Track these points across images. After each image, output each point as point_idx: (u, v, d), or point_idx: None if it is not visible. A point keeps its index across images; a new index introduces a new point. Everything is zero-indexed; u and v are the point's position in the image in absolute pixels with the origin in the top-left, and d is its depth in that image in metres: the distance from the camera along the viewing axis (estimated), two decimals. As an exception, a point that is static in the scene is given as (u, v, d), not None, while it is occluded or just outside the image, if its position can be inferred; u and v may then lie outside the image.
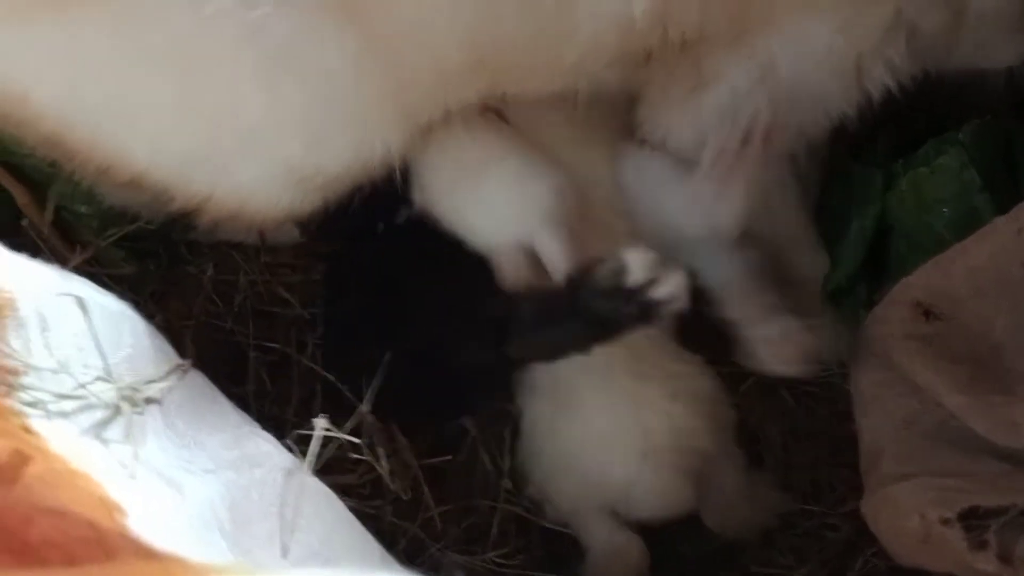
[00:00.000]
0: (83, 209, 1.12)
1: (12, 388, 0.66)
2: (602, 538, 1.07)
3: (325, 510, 0.85)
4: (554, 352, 1.00)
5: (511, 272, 1.02)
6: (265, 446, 0.84)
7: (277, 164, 0.93)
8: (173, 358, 0.83)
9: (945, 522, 0.83)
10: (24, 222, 1.13)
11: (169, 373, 0.80)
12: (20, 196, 1.11)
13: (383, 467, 1.00)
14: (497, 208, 1.03)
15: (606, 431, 1.05)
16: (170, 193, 0.95)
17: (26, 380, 0.68)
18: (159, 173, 0.93)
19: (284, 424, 1.04)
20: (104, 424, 0.73)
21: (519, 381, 1.09)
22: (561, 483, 1.08)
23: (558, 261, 1.00)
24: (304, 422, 0.85)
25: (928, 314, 0.98)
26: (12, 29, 0.86)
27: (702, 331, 1.12)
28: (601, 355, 0.99)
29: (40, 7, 0.85)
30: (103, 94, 0.89)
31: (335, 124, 0.92)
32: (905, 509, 0.86)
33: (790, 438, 1.17)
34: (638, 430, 1.05)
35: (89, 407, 0.72)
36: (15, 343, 0.69)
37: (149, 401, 0.76)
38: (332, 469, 0.97)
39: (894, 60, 0.99)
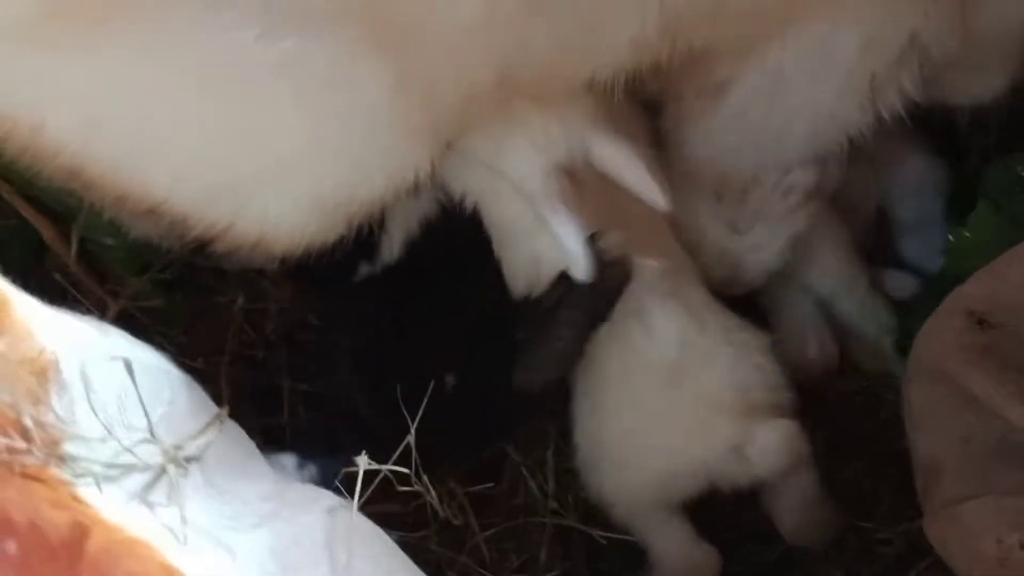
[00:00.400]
0: (109, 241, 1.10)
1: (60, 458, 0.64)
2: (675, 548, 1.05)
3: (376, 548, 0.82)
4: (560, 360, 1.00)
5: (558, 194, 0.98)
6: (305, 490, 0.82)
7: (306, 193, 0.91)
8: (210, 408, 0.81)
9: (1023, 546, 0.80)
10: (48, 257, 1.11)
11: (208, 426, 0.78)
12: (46, 230, 1.09)
13: (432, 496, 0.97)
14: (552, 125, 0.99)
15: (685, 405, 1.03)
16: (189, 222, 0.92)
17: (71, 447, 0.66)
18: (179, 203, 0.91)
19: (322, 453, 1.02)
20: (149, 487, 0.71)
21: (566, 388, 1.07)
22: (632, 481, 1.05)
23: (630, 160, 0.97)
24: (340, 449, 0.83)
25: (983, 323, 0.95)
26: (32, 55, 0.83)
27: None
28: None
29: (66, 33, 0.83)
30: (127, 123, 0.87)
31: (370, 152, 0.90)
32: (977, 531, 0.84)
33: (834, 453, 1.15)
34: (726, 389, 1.03)
35: (134, 471, 0.70)
36: (59, 407, 0.66)
37: (190, 459, 0.74)
38: (376, 499, 0.95)
39: (906, 84, 1.00)
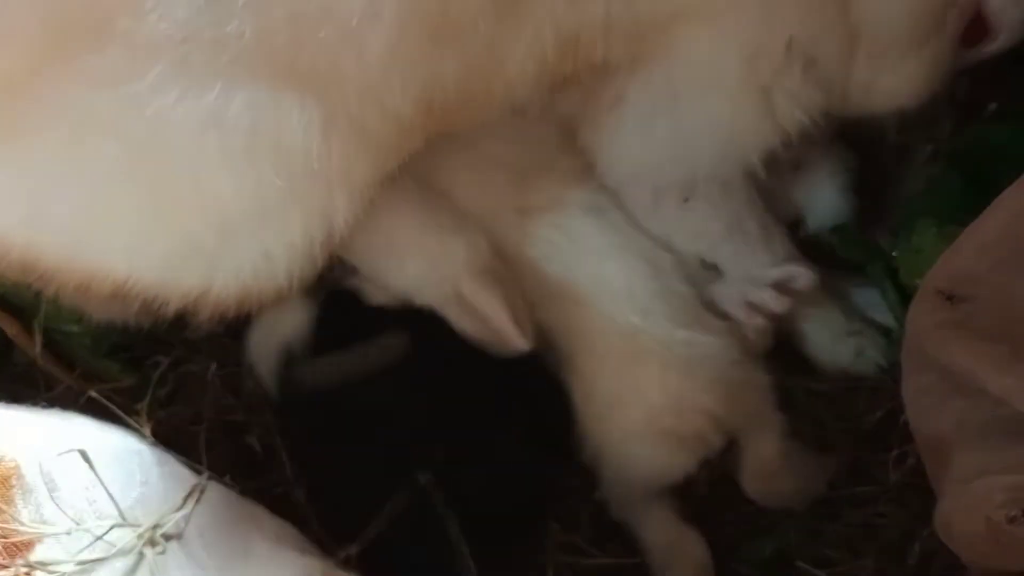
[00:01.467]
0: (73, 328, 1.09)
1: (30, 566, 0.63)
2: (663, 535, 1.07)
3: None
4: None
5: (459, 322, 1.03)
6: (291, 556, 0.81)
7: (278, 242, 0.91)
8: (187, 481, 0.80)
9: (1012, 520, 0.80)
10: (15, 352, 1.10)
11: (186, 500, 0.77)
12: (9, 327, 1.08)
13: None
14: (424, 267, 1.04)
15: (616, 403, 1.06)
16: (161, 297, 0.92)
17: (42, 549, 0.66)
18: (143, 277, 0.90)
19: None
20: (131, 572, 0.71)
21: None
22: (611, 474, 1.08)
23: (492, 309, 1.01)
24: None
25: (952, 298, 0.95)
26: None
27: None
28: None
29: None
30: (67, 210, 0.86)
31: (326, 191, 0.90)
32: (974, 514, 0.83)
33: (827, 428, 1.16)
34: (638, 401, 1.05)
35: (111, 559, 0.70)
36: (24, 513, 0.66)
37: (168, 537, 0.74)
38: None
39: (795, 92, 1.01)
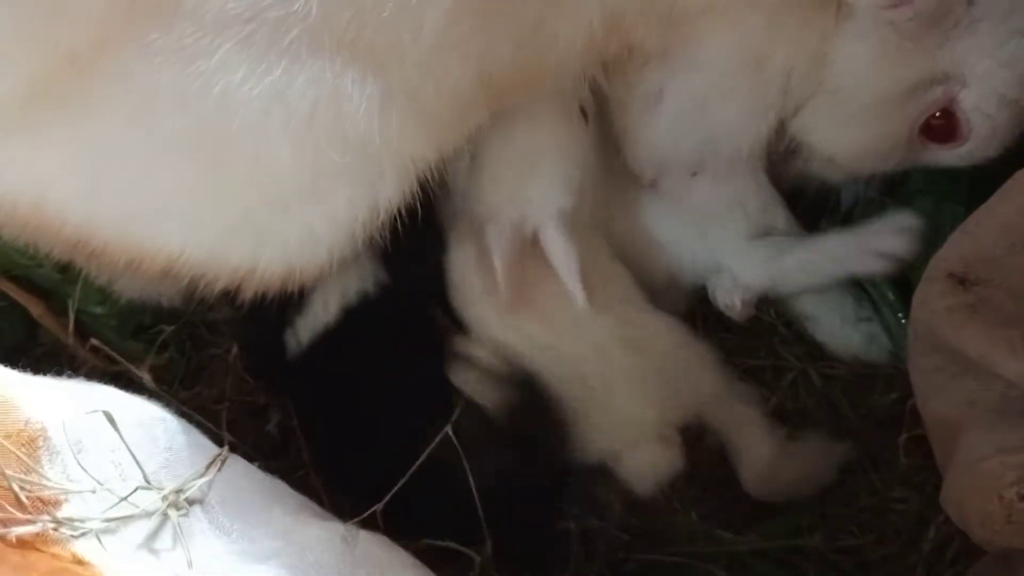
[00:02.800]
0: (99, 310, 1.11)
1: (57, 521, 0.64)
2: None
3: (393, 566, 0.84)
4: None
5: (497, 249, 1.04)
6: (311, 530, 0.82)
7: (320, 217, 0.92)
8: (210, 451, 0.82)
9: (1023, 498, 0.80)
10: (40, 332, 1.12)
11: (208, 467, 0.79)
12: (34, 307, 1.10)
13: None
14: (542, 179, 1.05)
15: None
16: (210, 274, 0.93)
17: (68, 508, 0.67)
18: (196, 253, 0.91)
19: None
20: (153, 535, 0.72)
21: None
22: None
23: (566, 258, 1.03)
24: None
25: (964, 282, 0.96)
26: (21, 136, 0.85)
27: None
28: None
29: (52, 111, 0.85)
30: (127, 184, 0.88)
31: (370, 168, 0.91)
32: (986, 493, 0.83)
33: (840, 420, 1.16)
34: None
35: (136, 519, 0.71)
36: (51, 472, 0.68)
37: (192, 502, 0.75)
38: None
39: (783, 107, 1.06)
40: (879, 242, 1.12)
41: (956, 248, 0.96)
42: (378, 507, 0.88)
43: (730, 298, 1.16)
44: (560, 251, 1.04)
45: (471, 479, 0.96)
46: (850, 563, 1.10)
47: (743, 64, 1.04)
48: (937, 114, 1.04)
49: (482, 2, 0.90)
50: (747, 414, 1.10)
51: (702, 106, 1.07)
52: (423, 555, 0.89)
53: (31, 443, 0.68)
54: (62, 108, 0.85)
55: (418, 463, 0.94)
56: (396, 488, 0.92)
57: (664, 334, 1.10)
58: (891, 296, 1.16)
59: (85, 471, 0.70)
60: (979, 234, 0.96)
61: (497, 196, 1.06)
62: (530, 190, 1.06)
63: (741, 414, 1.10)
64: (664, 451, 1.06)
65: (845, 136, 1.08)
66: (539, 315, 1.07)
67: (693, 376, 1.09)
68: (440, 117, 0.93)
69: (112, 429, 0.72)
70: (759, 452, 1.09)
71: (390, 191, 0.93)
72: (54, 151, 0.86)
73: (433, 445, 0.95)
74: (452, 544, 0.98)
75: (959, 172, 1.11)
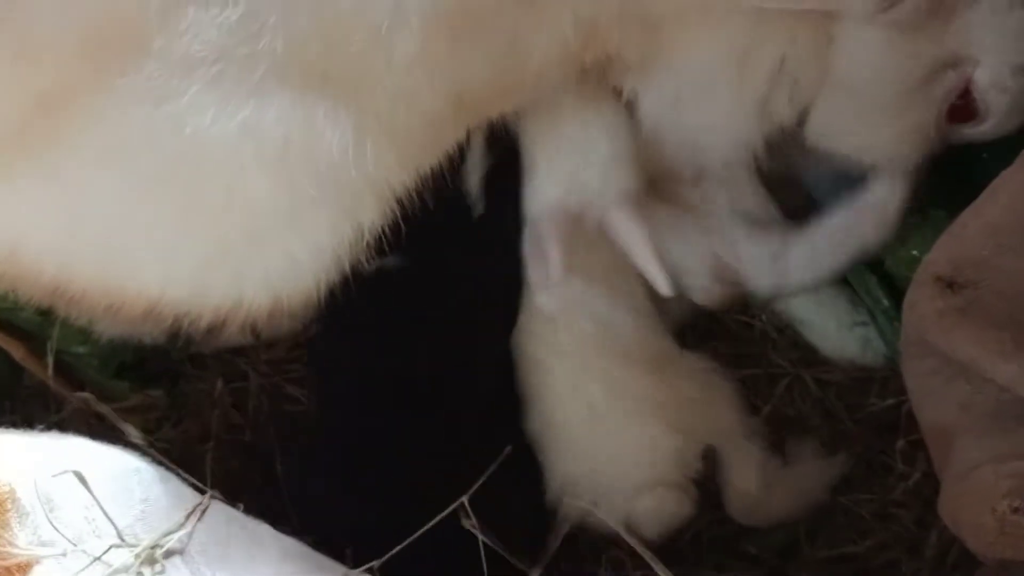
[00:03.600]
0: (81, 349, 1.10)
1: (26, 587, 0.64)
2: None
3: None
4: None
5: (556, 233, 1.03)
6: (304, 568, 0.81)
7: (304, 245, 0.91)
8: (190, 499, 0.81)
9: (1016, 511, 0.79)
10: (25, 375, 1.11)
11: (187, 518, 0.78)
12: (16, 350, 1.10)
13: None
14: (598, 165, 1.05)
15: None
16: (193, 313, 0.92)
17: (40, 570, 0.66)
18: (176, 293, 0.90)
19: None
20: (130, 592, 0.71)
21: None
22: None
23: (639, 241, 1.02)
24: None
25: (953, 284, 0.94)
26: None
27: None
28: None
29: (22, 158, 0.84)
30: (103, 228, 0.87)
31: (355, 192, 0.90)
32: (980, 502, 0.82)
33: (836, 425, 1.15)
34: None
35: (111, 577, 0.70)
36: (21, 536, 0.67)
37: (170, 554, 0.74)
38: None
39: (780, 109, 1.04)
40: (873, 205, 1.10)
41: (944, 251, 0.95)
42: (375, 564, 0.87)
43: (706, 288, 1.15)
44: (632, 233, 1.03)
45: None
46: (850, 570, 1.09)
47: (726, 62, 1.03)
48: (958, 97, 1.04)
49: (453, 24, 0.89)
50: (747, 450, 1.08)
51: (680, 108, 1.06)
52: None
53: (-1, 506, 0.68)
54: (33, 155, 0.84)
55: (424, 528, 0.91)
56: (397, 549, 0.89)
57: (695, 364, 1.09)
58: (885, 301, 1.15)
59: (57, 531, 0.69)
60: (966, 236, 0.94)
61: (555, 189, 1.05)
62: (589, 177, 1.05)
63: (742, 449, 1.08)
64: (677, 498, 1.04)
65: (875, 135, 1.07)
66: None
67: (714, 414, 1.08)
68: (415, 141, 0.93)
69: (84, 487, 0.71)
70: (746, 487, 1.07)
71: (372, 214, 0.92)
72: (27, 199, 0.85)
73: (445, 513, 0.91)
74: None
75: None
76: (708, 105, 1.06)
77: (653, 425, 1.04)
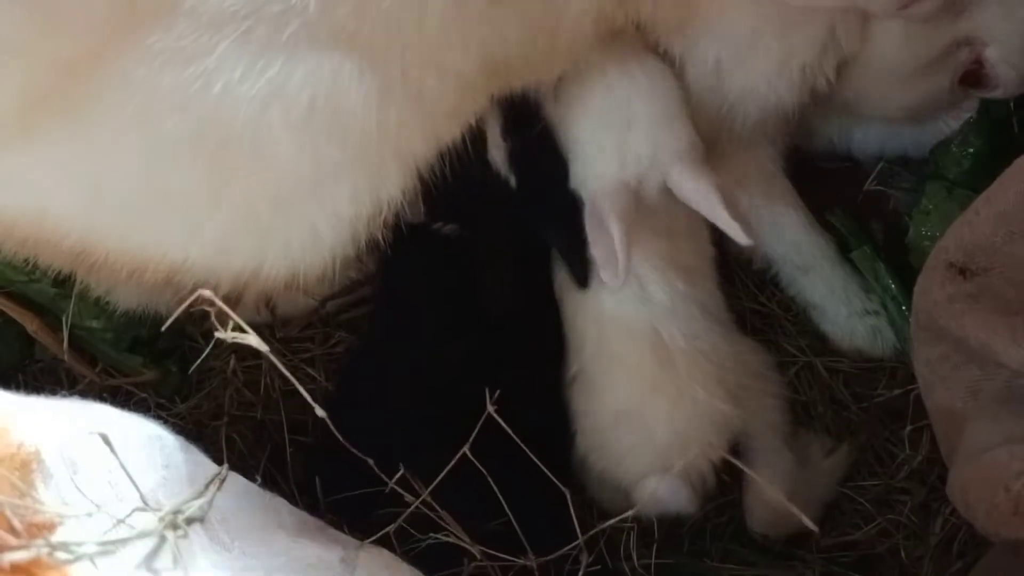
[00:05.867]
0: (94, 324, 1.10)
1: (51, 546, 0.64)
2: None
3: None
4: None
5: (620, 211, 1.01)
6: (312, 547, 0.82)
7: (321, 215, 0.91)
8: (209, 468, 0.81)
9: (1030, 489, 0.79)
10: (37, 348, 1.11)
11: (207, 486, 0.78)
12: (29, 323, 1.10)
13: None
14: (641, 131, 1.03)
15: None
16: (214, 278, 0.92)
17: (64, 531, 0.66)
18: (199, 260, 0.91)
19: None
20: (152, 555, 0.71)
21: None
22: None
23: (710, 197, 1.01)
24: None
25: (965, 271, 0.95)
26: (19, 149, 0.84)
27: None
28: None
29: (51, 121, 0.84)
30: (128, 191, 0.87)
31: (370, 163, 0.91)
32: (993, 484, 0.82)
33: (841, 413, 1.16)
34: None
35: (133, 541, 0.70)
36: (45, 495, 0.67)
37: (191, 521, 0.74)
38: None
39: (828, 74, 1.09)
40: None
41: (956, 237, 0.96)
42: (391, 528, 0.87)
43: None
44: (698, 190, 1.02)
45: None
46: (856, 556, 1.09)
47: (772, 30, 1.05)
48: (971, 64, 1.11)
49: None
50: (780, 455, 1.07)
51: (724, 72, 1.08)
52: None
53: (24, 467, 0.68)
54: (60, 119, 0.84)
55: (432, 486, 0.91)
56: (406, 514, 0.89)
57: (752, 354, 1.09)
58: (894, 287, 1.16)
59: (81, 493, 0.69)
60: (978, 223, 0.95)
61: (607, 166, 1.04)
62: (636, 145, 1.03)
63: (776, 453, 1.06)
64: (685, 489, 1.03)
65: (891, 99, 1.15)
66: None
67: (760, 406, 1.07)
68: (441, 107, 0.93)
69: (108, 450, 0.71)
70: (773, 496, 1.04)
71: (392, 186, 0.92)
72: (54, 163, 0.85)
73: (451, 464, 0.89)
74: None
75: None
76: (751, 72, 1.08)
77: (696, 402, 1.02)
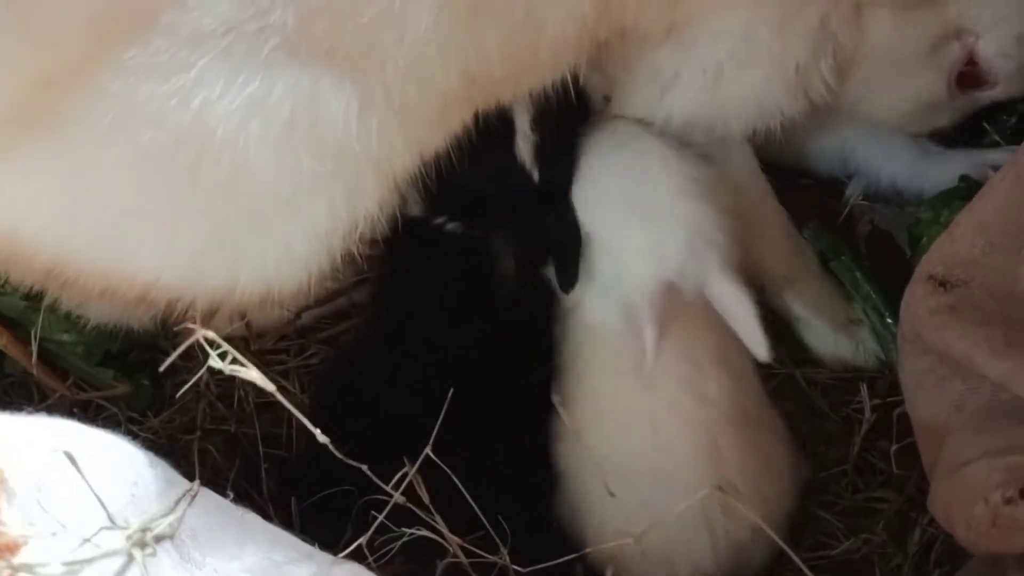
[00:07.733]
0: (65, 337, 1.09)
1: (13, 568, 0.62)
2: None
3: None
4: None
5: (657, 312, 0.98)
6: (285, 564, 0.80)
7: (301, 230, 0.90)
8: (180, 484, 0.80)
9: (1009, 501, 0.79)
10: (7, 363, 1.10)
11: (177, 503, 0.77)
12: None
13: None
14: (669, 241, 1.01)
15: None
16: (188, 297, 0.91)
17: (27, 551, 0.65)
18: (173, 278, 0.90)
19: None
20: (121, 573, 0.70)
21: None
22: None
23: (743, 308, 0.99)
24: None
25: (944, 284, 0.95)
26: None
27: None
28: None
29: (25, 136, 0.83)
30: (103, 207, 0.86)
31: (356, 173, 0.90)
32: (972, 496, 0.82)
33: (823, 429, 1.16)
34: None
35: (100, 560, 0.69)
36: (9, 516, 0.65)
37: (160, 538, 0.73)
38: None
39: (826, 73, 1.06)
40: None
41: (937, 251, 0.97)
42: (362, 540, 0.86)
43: None
44: (733, 301, 0.99)
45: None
46: (834, 565, 1.09)
47: (767, 26, 1.03)
48: (965, 64, 1.10)
49: (467, 0, 0.88)
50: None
51: (721, 78, 1.05)
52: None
53: (-13, 487, 0.67)
54: (36, 134, 0.83)
55: (404, 484, 0.90)
56: (380, 518, 0.88)
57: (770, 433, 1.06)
58: (875, 298, 1.16)
59: (47, 512, 0.68)
60: (958, 235, 0.96)
61: (644, 267, 1.00)
62: (671, 248, 1.00)
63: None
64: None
65: (887, 99, 1.13)
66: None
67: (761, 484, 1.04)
68: (423, 119, 0.92)
69: (74, 468, 0.70)
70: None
71: (369, 199, 0.92)
72: (29, 178, 0.84)
73: (414, 467, 0.89)
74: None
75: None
76: (749, 75, 1.05)
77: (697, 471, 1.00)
